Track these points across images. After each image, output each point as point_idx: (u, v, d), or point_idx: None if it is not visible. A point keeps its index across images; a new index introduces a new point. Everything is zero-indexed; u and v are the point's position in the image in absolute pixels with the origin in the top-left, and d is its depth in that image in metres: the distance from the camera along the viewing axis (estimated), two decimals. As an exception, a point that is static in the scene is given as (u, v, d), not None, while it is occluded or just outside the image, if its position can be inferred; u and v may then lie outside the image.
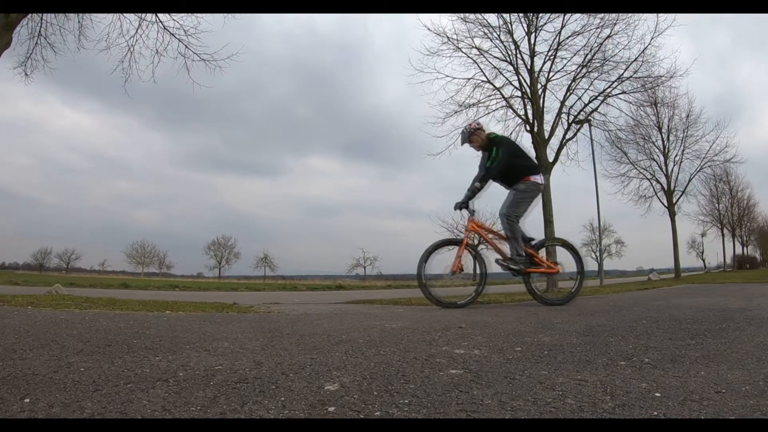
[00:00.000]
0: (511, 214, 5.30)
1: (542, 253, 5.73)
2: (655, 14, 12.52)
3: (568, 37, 13.70)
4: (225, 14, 9.72)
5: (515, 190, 5.37)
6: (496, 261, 5.37)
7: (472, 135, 5.61)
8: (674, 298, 6.80)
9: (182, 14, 9.60)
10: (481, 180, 5.38)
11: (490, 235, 5.59)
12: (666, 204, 26.21)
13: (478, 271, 5.49)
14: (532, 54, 14.03)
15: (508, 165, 5.32)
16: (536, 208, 5.95)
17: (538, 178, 5.43)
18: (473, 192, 5.39)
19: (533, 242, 5.52)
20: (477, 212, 5.44)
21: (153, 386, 1.46)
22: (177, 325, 2.92)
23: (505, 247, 5.40)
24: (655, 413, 1.22)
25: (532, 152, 13.07)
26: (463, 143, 5.68)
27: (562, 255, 5.87)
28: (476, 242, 5.92)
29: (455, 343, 2.40)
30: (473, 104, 14.10)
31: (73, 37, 9.90)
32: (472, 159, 15.90)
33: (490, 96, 14.23)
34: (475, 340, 2.50)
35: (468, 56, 13.99)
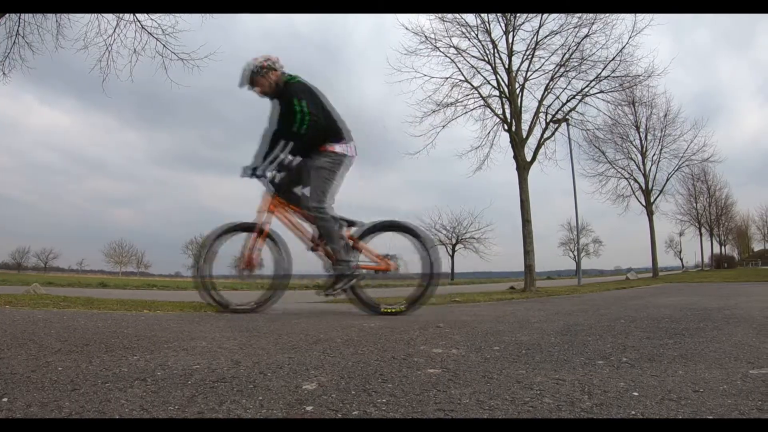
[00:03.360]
0: (322, 205, 3.79)
1: (373, 242, 4.09)
2: (633, 14, 12.74)
3: (545, 37, 13.94)
4: (203, 14, 9.70)
5: (312, 168, 3.84)
6: (328, 269, 3.91)
7: (256, 76, 3.86)
8: (652, 297, 6.92)
9: (160, 14, 9.57)
10: (291, 152, 3.85)
11: (297, 218, 4.03)
12: (644, 203, 26.53)
13: (276, 270, 4.10)
14: (510, 53, 14.18)
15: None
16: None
17: (339, 147, 3.86)
18: (278, 164, 3.89)
19: (355, 228, 4.00)
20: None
21: (131, 385, 1.45)
22: (155, 325, 2.89)
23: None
24: (633, 412, 1.23)
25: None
26: (242, 85, 3.94)
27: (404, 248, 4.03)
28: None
29: (433, 342, 2.41)
30: (451, 103, 14.29)
31: (51, 37, 9.93)
32: (451, 158, 15.89)
33: (467, 95, 14.41)
34: (453, 339, 2.52)
35: (446, 55, 14.16)
